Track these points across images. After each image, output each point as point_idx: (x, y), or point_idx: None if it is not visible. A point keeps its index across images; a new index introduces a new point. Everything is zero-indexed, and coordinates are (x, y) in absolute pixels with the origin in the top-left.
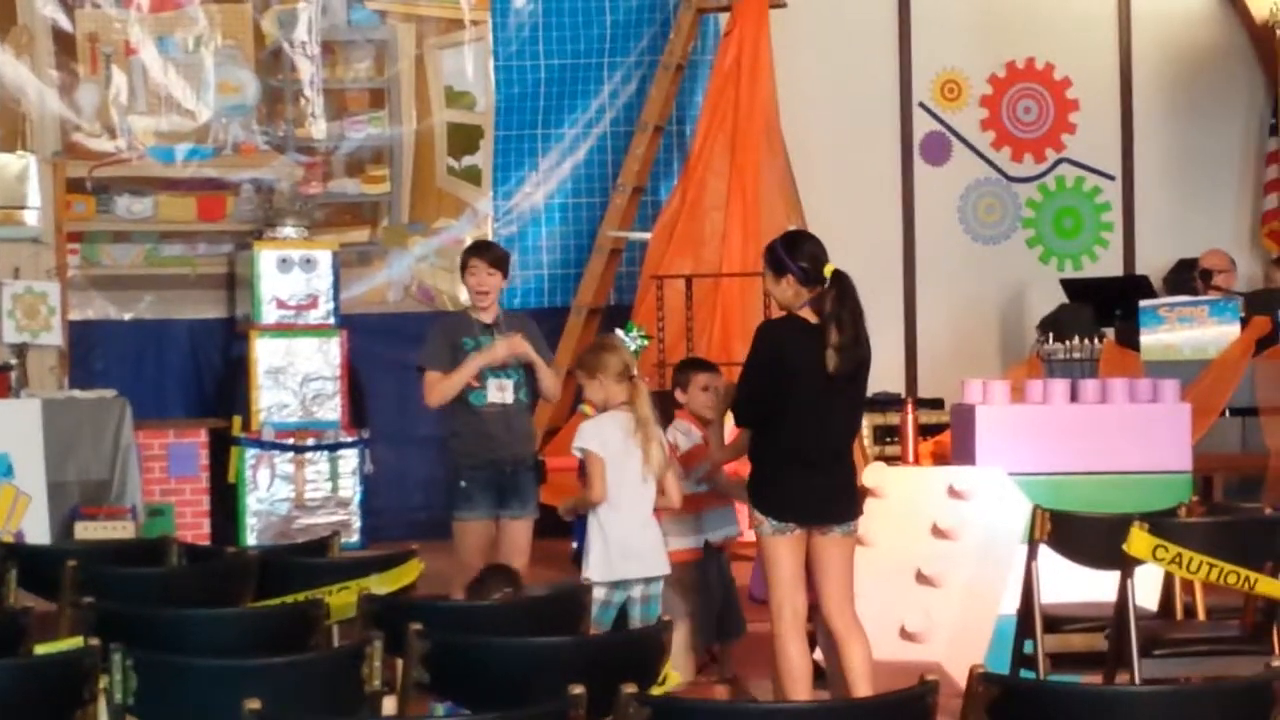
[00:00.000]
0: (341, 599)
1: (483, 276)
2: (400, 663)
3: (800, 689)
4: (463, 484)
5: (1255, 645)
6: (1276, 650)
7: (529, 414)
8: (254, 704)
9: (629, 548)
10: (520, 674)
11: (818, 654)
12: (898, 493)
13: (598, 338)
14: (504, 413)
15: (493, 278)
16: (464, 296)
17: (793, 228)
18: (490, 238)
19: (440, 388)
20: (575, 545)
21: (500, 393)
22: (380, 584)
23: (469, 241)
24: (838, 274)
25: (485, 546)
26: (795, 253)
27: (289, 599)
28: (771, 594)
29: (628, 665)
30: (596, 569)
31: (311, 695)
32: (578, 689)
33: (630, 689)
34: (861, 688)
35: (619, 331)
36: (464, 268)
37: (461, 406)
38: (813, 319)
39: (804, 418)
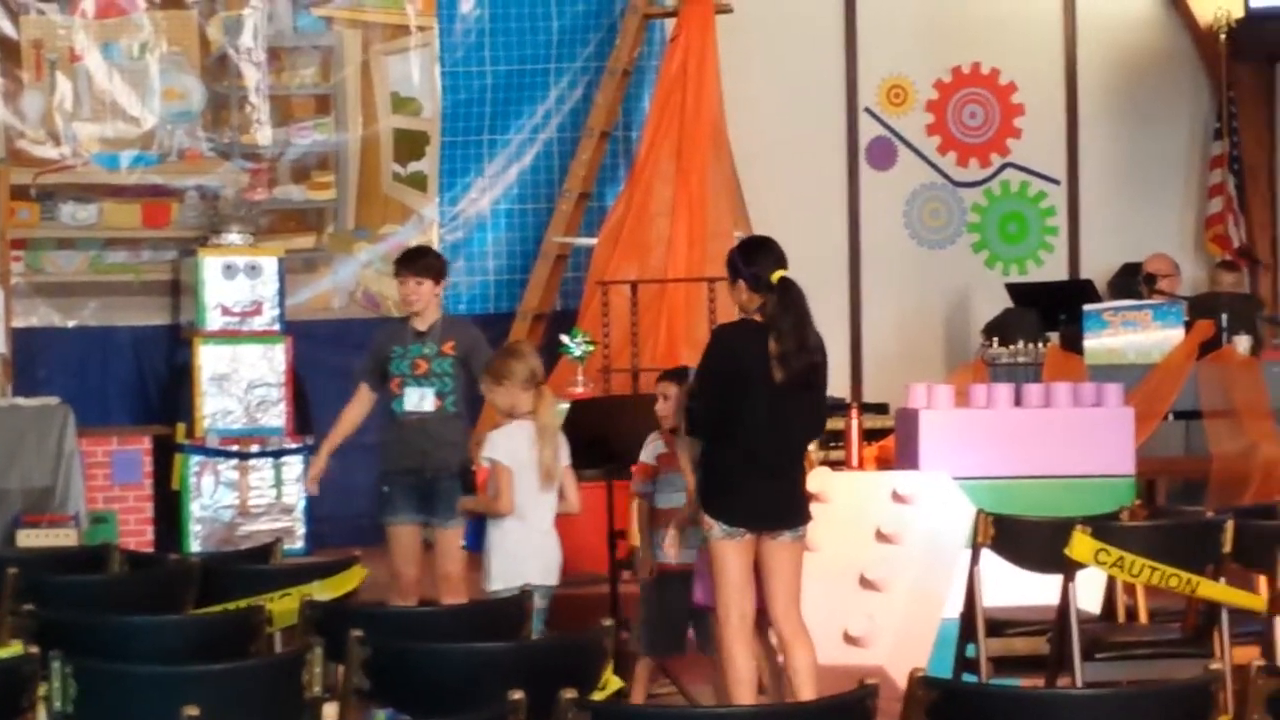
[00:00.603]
0: (284, 605)
1: (411, 286)
2: (342, 669)
3: (745, 693)
4: (385, 489)
5: (1197, 648)
6: (1217, 653)
7: (457, 422)
8: (193, 711)
9: (531, 554)
10: (461, 679)
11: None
12: (842, 497)
13: (506, 344)
14: (424, 421)
15: (421, 286)
16: None
17: (740, 234)
18: (436, 243)
19: (340, 415)
20: (463, 544)
21: (419, 401)
22: (322, 590)
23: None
24: (782, 281)
25: (415, 552)
26: (748, 259)
27: (230, 606)
28: (719, 598)
29: (568, 670)
30: (499, 578)
31: (251, 702)
32: (517, 694)
33: (570, 694)
34: (806, 692)
35: (564, 337)
36: (396, 277)
37: (386, 414)
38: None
39: (756, 422)
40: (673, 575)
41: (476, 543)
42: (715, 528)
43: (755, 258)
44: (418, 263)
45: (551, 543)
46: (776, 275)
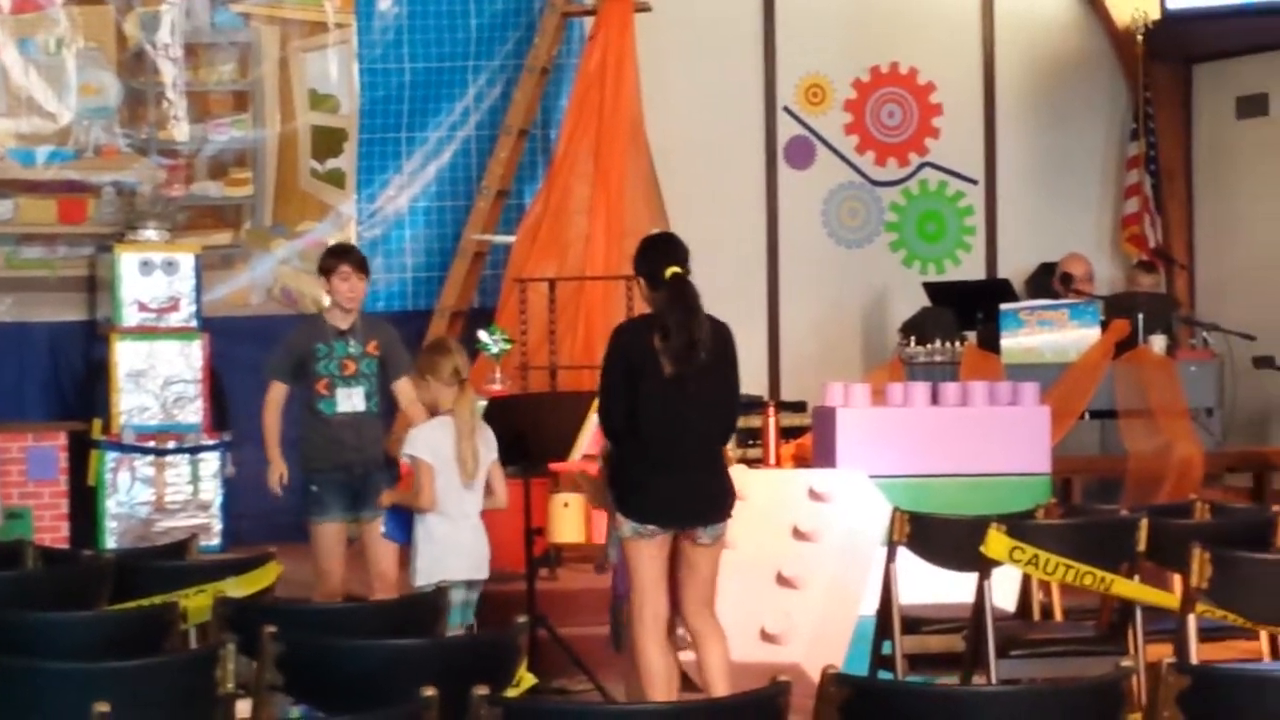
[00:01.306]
0: (198, 602)
1: (354, 282)
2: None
3: (659, 690)
4: (313, 488)
5: (1111, 645)
6: (1131, 650)
7: (379, 420)
8: (103, 707)
9: (457, 550)
10: (374, 676)
11: None
12: (759, 495)
13: (433, 338)
14: (355, 420)
15: (362, 282)
16: (326, 300)
17: (654, 231)
18: (354, 241)
19: (265, 416)
20: (382, 531)
21: (350, 401)
22: (237, 587)
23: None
24: (674, 277)
25: (341, 549)
26: (643, 255)
27: (144, 602)
28: (633, 596)
29: (483, 667)
30: (424, 574)
31: (164, 698)
32: (430, 691)
33: (482, 691)
34: (719, 688)
35: (482, 334)
36: (330, 272)
37: (311, 414)
38: None
39: (655, 418)
40: None
41: (398, 534)
42: (625, 525)
43: (650, 254)
44: (355, 255)
45: (478, 537)
46: (669, 271)
